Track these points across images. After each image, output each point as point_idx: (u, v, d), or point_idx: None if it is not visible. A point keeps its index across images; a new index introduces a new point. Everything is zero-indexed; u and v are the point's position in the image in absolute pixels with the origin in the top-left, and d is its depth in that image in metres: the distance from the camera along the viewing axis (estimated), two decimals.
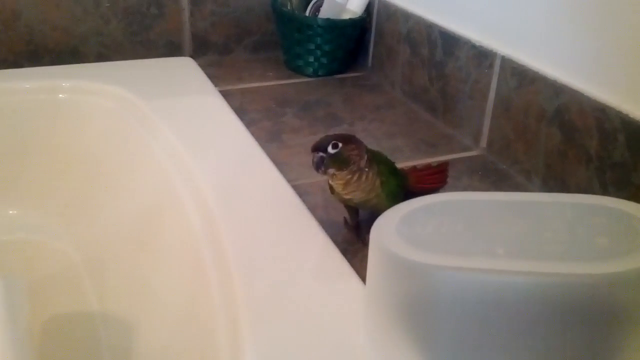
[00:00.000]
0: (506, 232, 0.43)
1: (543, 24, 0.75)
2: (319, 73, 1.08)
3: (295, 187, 0.74)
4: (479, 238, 0.42)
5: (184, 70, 1.03)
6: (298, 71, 1.09)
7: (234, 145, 0.82)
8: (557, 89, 0.73)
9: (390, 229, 0.45)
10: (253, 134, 0.86)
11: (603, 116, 0.67)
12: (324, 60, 1.07)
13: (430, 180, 0.72)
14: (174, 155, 0.80)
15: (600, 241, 0.41)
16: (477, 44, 0.84)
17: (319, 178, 0.78)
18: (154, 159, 0.82)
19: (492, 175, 0.80)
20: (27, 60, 1.01)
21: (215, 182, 0.72)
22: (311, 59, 1.07)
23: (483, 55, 0.83)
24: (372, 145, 0.86)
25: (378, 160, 0.64)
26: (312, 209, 0.70)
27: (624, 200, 0.45)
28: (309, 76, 1.08)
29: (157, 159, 0.81)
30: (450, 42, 0.89)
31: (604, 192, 0.68)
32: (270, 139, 0.87)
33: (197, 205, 0.70)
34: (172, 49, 1.09)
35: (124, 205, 0.84)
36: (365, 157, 0.62)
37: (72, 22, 1.01)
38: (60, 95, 0.93)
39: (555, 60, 0.73)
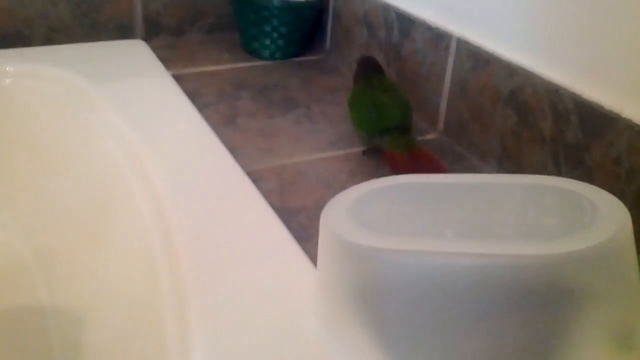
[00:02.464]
0: (455, 214, 0.42)
1: (497, 4, 0.74)
2: (276, 56, 1.06)
3: (250, 173, 0.73)
4: (428, 220, 0.42)
5: (135, 54, 1.00)
6: (254, 54, 1.07)
7: (186, 130, 0.80)
8: (511, 70, 0.72)
9: (339, 212, 0.43)
10: (207, 118, 0.84)
11: (556, 97, 0.67)
12: (280, 42, 1.05)
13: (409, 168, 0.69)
14: (124, 141, 0.77)
15: (550, 221, 0.41)
16: (433, 25, 0.83)
17: (274, 164, 0.76)
18: (103, 146, 0.80)
19: (449, 157, 0.80)
20: None
21: (166, 169, 0.70)
22: (267, 42, 1.05)
23: (439, 37, 0.82)
24: (327, 127, 0.85)
25: (371, 85, 0.78)
26: (267, 195, 0.69)
27: (574, 180, 0.44)
28: (265, 59, 1.06)
29: (106, 145, 0.79)
30: (406, 23, 0.88)
31: (558, 172, 0.68)
32: (224, 123, 0.85)
33: (147, 193, 0.68)
34: (123, 32, 1.06)
35: (73, 194, 0.82)
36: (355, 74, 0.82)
37: (17, 3, 0.97)
38: (5, 80, 0.90)
39: (509, 41, 0.73)
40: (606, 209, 0.40)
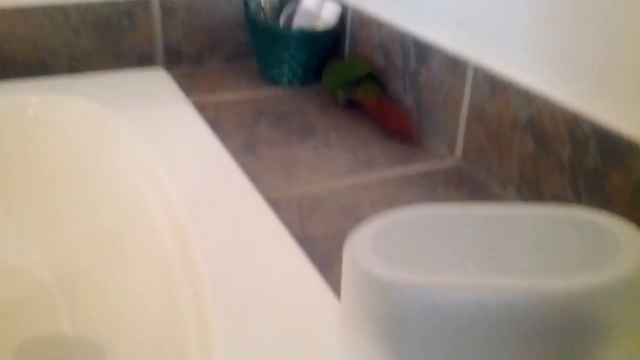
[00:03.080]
0: (477, 246, 0.42)
1: (514, 32, 0.75)
2: (294, 83, 1.08)
3: (270, 201, 0.74)
4: (450, 252, 0.42)
5: (156, 82, 1.02)
6: (272, 81, 1.08)
7: (207, 158, 0.81)
8: (529, 97, 0.73)
9: (362, 245, 0.44)
10: (227, 146, 0.85)
11: (574, 124, 0.67)
12: (298, 69, 1.06)
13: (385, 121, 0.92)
14: (146, 169, 0.78)
15: (572, 254, 0.41)
16: (450, 52, 0.84)
17: (294, 191, 0.77)
18: (125, 174, 0.81)
19: (468, 185, 0.80)
20: None
21: (187, 197, 0.71)
22: (285, 69, 1.06)
23: (456, 64, 0.83)
24: (346, 154, 0.86)
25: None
26: (287, 222, 0.70)
27: (594, 211, 0.45)
28: (283, 86, 1.08)
29: (128, 173, 0.80)
30: (423, 50, 0.89)
31: (578, 199, 0.68)
32: (244, 151, 0.86)
33: (169, 221, 0.69)
34: (144, 61, 1.08)
35: (96, 221, 0.83)
36: None
37: (40, 34, 1.00)
38: (30, 110, 0.92)
39: (526, 68, 0.74)
40: (627, 241, 0.40)
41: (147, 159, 0.79)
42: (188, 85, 1.04)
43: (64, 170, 0.90)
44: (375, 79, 0.98)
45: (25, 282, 0.87)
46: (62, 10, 1.00)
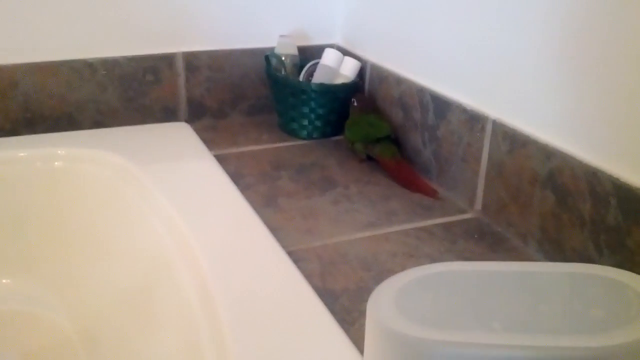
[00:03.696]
0: (502, 305, 0.42)
1: (533, 89, 0.76)
2: (314, 136, 1.09)
3: (291, 254, 0.74)
4: (475, 311, 0.42)
5: (179, 136, 1.04)
6: (293, 134, 1.10)
7: (229, 211, 0.82)
8: (548, 153, 0.73)
9: (386, 303, 0.44)
10: (248, 198, 0.86)
11: (595, 180, 0.68)
12: (318, 123, 1.08)
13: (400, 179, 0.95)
14: (169, 223, 0.80)
15: (596, 313, 0.41)
16: (469, 107, 0.86)
17: (315, 244, 0.78)
18: (149, 228, 0.82)
19: (488, 238, 0.80)
20: (23, 127, 1.02)
21: (210, 251, 0.72)
22: (305, 122, 1.08)
23: (474, 119, 0.85)
24: (366, 207, 0.87)
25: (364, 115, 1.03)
26: (308, 276, 0.70)
27: (619, 270, 0.45)
28: (303, 139, 1.09)
29: (152, 227, 0.81)
30: (441, 105, 0.91)
31: (599, 255, 0.68)
32: (265, 203, 0.87)
33: (192, 276, 0.69)
34: (168, 114, 1.11)
35: (119, 276, 0.84)
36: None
37: (68, 89, 1.03)
38: (56, 163, 0.94)
39: (545, 124, 0.75)
40: None
41: (170, 213, 0.81)
42: (210, 138, 1.06)
43: (89, 223, 0.91)
44: (393, 139, 0.99)
45: (48, 333, 0.87)
46: (89, 65, 1.03)
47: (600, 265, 0.46)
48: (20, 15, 0.98)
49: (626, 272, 0.44)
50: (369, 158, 1.00)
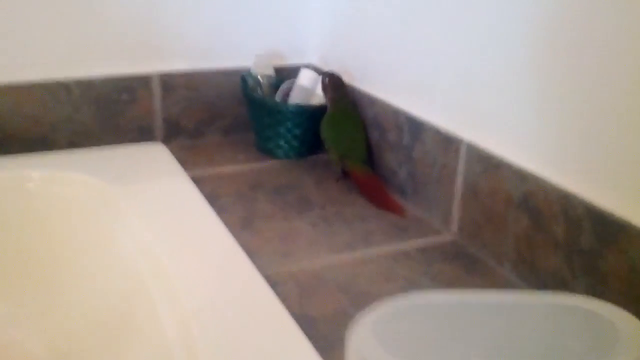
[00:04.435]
0: (480, 337, 0.43)
1: (506, 112, 0.77)
2: (290, 155, 1.10)
3: (268, 277, 0.74)
4: (454, 343, 0.43)
5: (155, 156, 1.04)
6: (269, 154, 1.10)
7: (205, 234, 0.82)
8: (522, 176, 0.75)
9: (365, 334, 0.45)
10: (225, 220, 0.86)
11: (567, 203, 0.69)
12: (294, 143, 1.09)
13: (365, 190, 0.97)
14: (144, 247, 0.79)
15: (573, 344, 0.42)
16: (443, 130, 0.87)
17: (292, 268, 0.78)
18: (124, 252, 0.82)
19: (464, 260, 0.81)
20: None
21: (186, 275, 0.72)
22: (282, 142, 1.09)
23: (449, 141, 0.86)
24: (343, 228, 0.87)
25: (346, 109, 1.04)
26: (285, 300, 0.70)
27: (593, 299, 0.46)
28: (280, 158, 1.09)
29: (127, 251, 0.81)
30: (416, 127, 0.92)
31: (573, 278, 0.69)
32: (242, 225, 0.87)
33: (167, 300, 0.69)
34: (143, 134, 1.10)
35: (93, 300, 0.83)
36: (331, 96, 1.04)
37: (42, 110, 1.02)
38: (29, 185, 0.93)
39: (519, 147, 0.76)
40: (627, 333, 0.41)
41: (145, 236, 0.80)
42: (186, 158, 1.06)
43: (62, 246, 0.90)
44: (366, 145, 1.02)
45: (18, 356, 0.86)
46: (64, 86, 1.02)
47: (578, 296, 0.47)
48: None
49: (600, 302, 0.45)
50: (343, 172, 1.01)
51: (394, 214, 0.92)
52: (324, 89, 1.05)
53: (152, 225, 0.82)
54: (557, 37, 0.69)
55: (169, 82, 1.09)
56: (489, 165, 0.79)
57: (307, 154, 1.11)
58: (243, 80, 1.11)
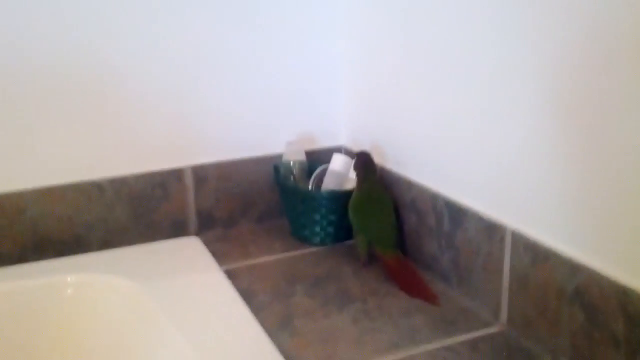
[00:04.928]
0: None
1: (553, 200, 0.74)
2: (326, 242, 1.07)
3: None
4: None
5: (189, 252, 1.02)
6: (305, 241, 1.08)
7: (242, 337, 0.79)
8: (573, 268, 0.71)
9: None
10: (262, 320, 0.83)
11: (626, 298, 0.65)
12: (330, 229, 1.06)
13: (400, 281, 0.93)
14: (178, 353, 0.76)
15: None
16: (485, 217, 0.83)
17: None
18: (157, 358, 0.79)
19: (517, 356, 0.76)
20: (32, 252, 1.00)
21: None
22: (317, 229, 1.06)
23: (492, 229, 0.82)
24: (386, 324, 0.83)
25: (373, 190, 1.01)
26: None
27: None
28: (316, 245, 1.07)
29: (160, 357, 0.78)
30: (456, 213, 0.89)
31: None
32: (280, 325, 0.84)
33: None
34: (178, 228, 1.09)
35: None
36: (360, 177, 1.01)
37: (76, 211, 1.02)
38: (67, 291, 0.92)
39: (568, 237, 0.72)
40: None
41: (179, 342, 0.78)
42: (221, 250, 1.04)
43: (97, 353, 0.88)
44: (394, 225, 0.99)
45: None
46: (97, 186, 1.02)
47: None
48: (24, 141, 0.98)
49: None
50: (370, 256, 0.99)
51: (427, 302, 0.88)
52: (355, 168, 1.03)
53: (187, 330, 0.79)
54: (606, 121, 0.66)
55: (201, 174, 1.09)
56: (537, 256, 0.75)
57: (343, 238, 1.08)
58: (275, 169, 1.10)
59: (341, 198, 1.04)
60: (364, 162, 1.02)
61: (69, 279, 0.93)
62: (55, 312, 0.92)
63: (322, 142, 1.18)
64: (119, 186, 1.04)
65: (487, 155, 0.83)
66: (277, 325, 0.84)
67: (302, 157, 1.11)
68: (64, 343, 0.91)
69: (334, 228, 1.06)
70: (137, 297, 0.89)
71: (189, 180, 1.08)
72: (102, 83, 1.00)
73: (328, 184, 1.07)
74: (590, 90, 0.67)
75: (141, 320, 0.86)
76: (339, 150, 1.15)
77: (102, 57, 0.99)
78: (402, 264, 0.95)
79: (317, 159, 1.13)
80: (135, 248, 1.03)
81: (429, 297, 0.89)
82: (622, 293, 0.65)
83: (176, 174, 1.07)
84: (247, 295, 0.90)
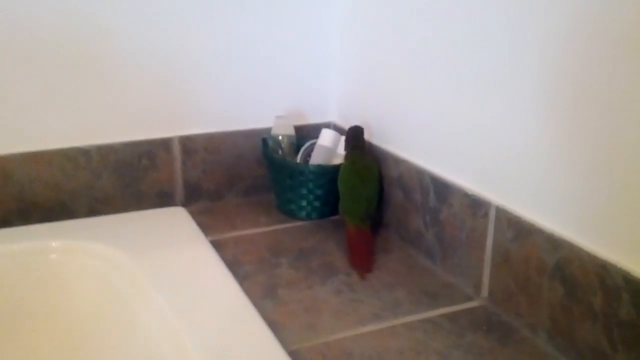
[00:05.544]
0: None
1: (537, 176, 0.75)
2: (312, 216, 1.08)
3: (293, 354, 0.71)
4: None
5: (175, 222, 1.02)
6: (291, 215, 1.08)
7: (226, 305, 0.79)
8: (555, 243, 0.72)
9: None
10: (247, 289, 0.84)
11: (605, 273, 0.66)
12: (316, 204, 1.07)
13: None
14: (162, 318, 0.77)
15: None
16: (470, 192, 0.84)
17: (317, 341, 0.75)
18: (141, 324, 0.79)
19: (497, 330, 0.77)
20: (17, 218, 1.00)
21: (206, 350, 0.69)
22: (304, 203, 1.07)
23: (477, 204, 0.83)
24: (371, 297, 0.84)
25: (356, 162, 1.02)
26: None
27: None
28: (302, 219, 1.07)
29: (145, 324, 0.79)
30: (442, 188, 0.89)
31: (614, 351, 0.65)
32: (264, 294, 0.84)
33: None
34: (164, 198, 1.09)
35: None
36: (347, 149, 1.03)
37: (62, 178, 1.01)
38: (51, 256, 0.92)
39: (551, 213, 0.73)
40: None
41: (163, 308, 0.78)
42: (207, 222, 1.04)
43: (81, 317, 0.89)
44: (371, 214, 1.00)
45: None
46: (84, 152, 1.02)
47: None
48: (13, 106, 0.97)
49: None
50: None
51: (357, 271, 0.91)
52: (345, 140, 1.04)
53: (171, 297, 0.79)
54: (589, 99, 0.67)
55: (189, 146, 1.09)
56: (519, 231, 0.76)
57: (329, 214, 1.09)
58: (264, 142, 1.10)
59: (328, 173, 1.05)
60: (352, 135, 1.03)
61: (53, 244, 0.92)
62: (38, 277, 0.91)
63: (312, 118, 1.18)
64: (106, 154, 1.03)
65: (473, 132, 0.84)
66: (261, 295, 0.84)
67: (291, 131, 1.11)
68: (46, 307, 0.91)
69: (320, 203, 1.07)
70: (122, 263, 0.89)
71: (176, 151, 1.08)
72: (91, 49, 0.99)
73: (316, 159, 1.07)
74: (575, 68, 0.67)
75: (125, 286, 0.86)
76: (327, 126, 1.16)
77: (92, 21, 0.98)
78: (362, 234, 0.96)
79: (306, 135, 1.14)
80: (121, 216, 1.03)
81: (363, 268, 0.91)
82: (601, 267, 0.66)
83: (164, 144, 1.07)
84: (233, 266, 0.90)
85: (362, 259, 0.93)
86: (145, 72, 1.03)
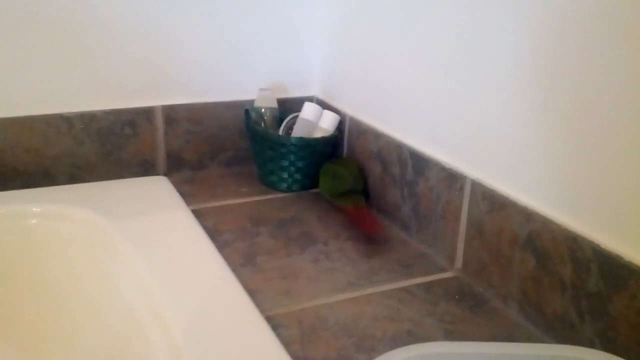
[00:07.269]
0: None
1: (512, 150, 0.76)
2: (293, 188, 1.09)
3: (270, 319, 0.73)
4: None
5: (157, 190, 1.03)
6: (272, 186, 1.09)
7: (205, 271, 0.81)
8: (527, 215, 0.73)
9: None
10: (226, 256, 0.85)
11: (575, 245, 0.68)
12: (297, 176, 1.08)
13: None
14: (141, 285, 0.78)
15: None
16: (447, 166, 0.86)
17: (294, 307, 0.77)
18: (121, 289, 0.80)
19: (469, 299, 0.79)
20: None
21: (184, 315, 0.70)
22: (285, 175, 1.08)
23: (453, 178, 0.85)
24: (347, 266, 0.86)
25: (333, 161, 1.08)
26: (287, 343, 0.69)
27: (599, 353, 0.44)
28: (283, 192, 1.09)
29: (124, 290, 0.80)
30: (420, 162, 0.91)
31: (581, 321, 0.67)
32: (244, 262, 0.86)
33: (164, 341, 0.67)
34: (146, 167, 1.09)
35: (89, 338, 0.81)
36: None
37: (44, 144, 1.01)
38: (31, 220, 0.92)
39: (525, 187, 0.75)
40: None
41: (143, 275, 0.79)
42: (189, 192, 1.05)
43: (60, 283, 0.89)
44: (360, 190, 1.02)
45: None
46: (65, 119, 1.02)
47: (579, 347, 0.45)
48: None
49: (603, 353, 0.44)
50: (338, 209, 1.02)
51: (373, 236, 0.93)
52: None
53: (151, 263, 0.80)
54: (564, 74, 0.68)
55: (172, 115, 1.09)
56: (494, 204, 0.78)
57: (310, 186, 1.10)
58: (246, 113, 1.11)
59: (310, 146, 1.06)
60: None
61: (34, 209, 0.93)
62: (18, 241, 0.92)
63: (295, 92, 1.18)
64: (89, 121, 1.03)
65: (451, 106, 0.85)
66: (240, 262, 0.86)
67: (274, 104, 1.12)
68: (26, 271, 0.91)
69: (302, 175, 1.08)
70: (102, 229, 0.89)
71: (159, 120, 1.08)
72: (74, 15, 0.99)
73: (298, 132, 1.08)
74: (551, 41, 0.68)
75: (105, 252, 0.87)
76: (310, 100, 1.16)
77: None
78: (360, 208, 0.98)
79: (288, 108, 1.14)
80: (103, 184, 1.04)
81: (373, 229, 0.94)
82: (571, 239, 0.68)
83: (146, 113, 1.07)
84: (213, 234, 0.91)
85: (371, 225, 0.95)
86: (128, 40, 1.03)
